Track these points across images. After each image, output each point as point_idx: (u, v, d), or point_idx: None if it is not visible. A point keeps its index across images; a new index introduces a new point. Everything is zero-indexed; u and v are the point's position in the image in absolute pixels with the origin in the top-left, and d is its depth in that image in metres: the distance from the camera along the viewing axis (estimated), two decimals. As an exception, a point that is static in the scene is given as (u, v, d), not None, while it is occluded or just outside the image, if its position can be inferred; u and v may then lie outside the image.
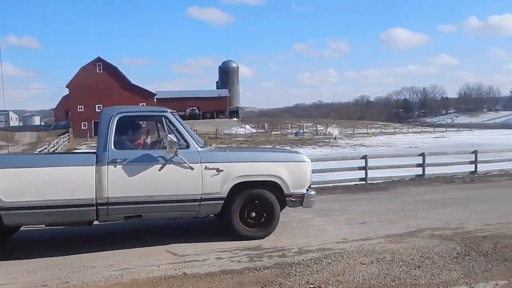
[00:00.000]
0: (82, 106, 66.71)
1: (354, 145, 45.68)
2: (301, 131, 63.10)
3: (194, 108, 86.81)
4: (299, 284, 4.84)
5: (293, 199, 6.81)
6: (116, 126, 6.35)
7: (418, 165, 15.49)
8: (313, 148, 43.38)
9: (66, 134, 54.24)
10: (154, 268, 5.61)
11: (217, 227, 7.66)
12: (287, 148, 42.60)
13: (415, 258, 5.55)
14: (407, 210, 8.65)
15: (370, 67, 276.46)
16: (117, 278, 5.30)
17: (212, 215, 7.02)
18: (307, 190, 6.93)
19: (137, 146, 6.78)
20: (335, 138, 51.21)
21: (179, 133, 6.58)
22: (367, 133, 65.03)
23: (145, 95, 70.37)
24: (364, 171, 14.81)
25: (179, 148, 6.33)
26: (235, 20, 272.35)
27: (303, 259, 5.71)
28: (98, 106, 66.33)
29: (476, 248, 5.93)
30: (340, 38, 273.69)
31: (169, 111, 6.76)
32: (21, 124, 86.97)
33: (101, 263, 5.86)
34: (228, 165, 6.54)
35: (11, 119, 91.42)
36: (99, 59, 69.18)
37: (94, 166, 6.13)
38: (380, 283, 4.77)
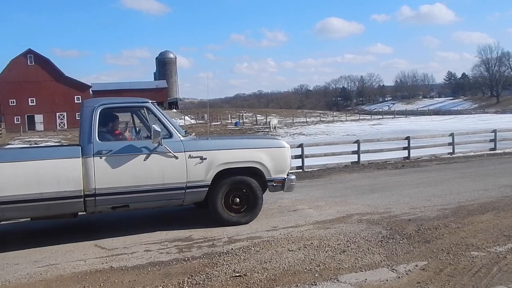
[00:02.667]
0: (14, 100, 63.57)
1: (293, 134, 46.34)
2: (241, 121, 63.26)
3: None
4: (225, 273, 4.79)
5: (274, 184, 6.99)
6: (99, 118, 6.33)
7: (354, 152, 15.88)
8: (253, 138, 43.53)
9: (-5, 128, 51.42)
10: (80, 263, 5.43)
11: (147, 219, 7.55)
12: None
13: (341, 243, 5.65)
14: (338, 197, 8.82)
15: (308, 56, 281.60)
16: (41, 274, 5.11)
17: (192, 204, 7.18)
18: (287, 175, 7.07)
19: (121, 137, 6.72)
20: (275, 127, 51.78)
21: (162, 123, 6.60)
22: (306, 122, 66.14)
23: (80, 87, 67.96)
24: (300, 159, 15.09)
25: (162, 138, 6.31)
26: (171, 10, 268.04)
27: (232, 248, 5.68)
28: (30, 100, 63.71)
29: (401, 231, 6.12)
30: (277, 28, 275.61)
31: (150, 101, 6.76)
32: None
33: (26, 260, 5.64)
34: (211, 153, 6.63)
35: None
36: (30, 51, 65.72)
37: (80, 158, 6.09)
38: (305, 268, 4.81)
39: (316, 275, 4.61)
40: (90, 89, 72.40)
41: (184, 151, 6.54)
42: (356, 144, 16.04)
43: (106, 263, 5.38)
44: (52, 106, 64.38)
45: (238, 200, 6.92)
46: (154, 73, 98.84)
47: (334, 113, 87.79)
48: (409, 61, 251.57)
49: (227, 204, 6.87)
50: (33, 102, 64.46)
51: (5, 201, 5.82)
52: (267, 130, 51.15)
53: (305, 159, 15.22)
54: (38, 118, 65.26)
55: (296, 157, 14.93)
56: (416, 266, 4.75)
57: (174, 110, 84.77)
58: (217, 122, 67.82)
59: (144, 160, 6.37)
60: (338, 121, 66.67)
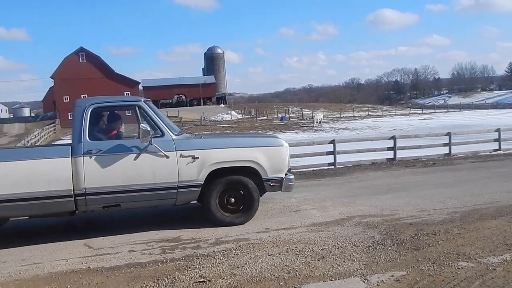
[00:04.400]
0: (68, 97, 65.89)
1: (338, 128, 45.59)
2: (286, 116, 62.90)
3: (181, 95, 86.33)
4: (191, 278, 4.65)
5: (271, 184, 6.77)
6: (90, 117, 6.34)
7: (389, 149, 15.26)
8: (295, 133, 43.25)
9: (52, 125, 53.66)
10: (62, 262, 5.44)
11: (142, 218, 7.52)
12: (269, 132, 42.48)
13: (325, 248, 5.37)
14: (348, 197, 8.47)
15: (359, 49, 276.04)
16: (20, 273, 5.14)
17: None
18: (286, 175, 6.87)
19: (112, 136, 6.65)
20: (320, 122, 51.09)
21: (153, 121, 6.53)
22: (354, 116, 64.89)
23: (130, 84, 69.73)
24: (332, 156, 14.65)
25: (154, 137, 6.29)
26: (220, 6, 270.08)
27: (213, 251, 5.53)
28: (83, 96, 65.77)
29: (396, 236, 5.75)
30: (327, 21, 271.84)
31: (142, 100, 6.72)
32: (11, 116, 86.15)
33: (14, 258, 5.72)
34: (204, 152, 6.49)
35: (1, 111, 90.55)
36: (81, 49, 68.20)
37: (70, 157, 6.12)
38: (274, 275, 4.58)
39: (281, 283, 4.37)
40: (140, 85, 74.15)
41: (176, 150, 6.43)
42: (392, 140, 15.41)
43: (86, 263, 5.36)
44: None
45: (233, 200, 6.76)
46: (203, 68, 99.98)
47: (385, 107, 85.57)
48: (467, 52, 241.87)
49: (222, 204, 6.72)
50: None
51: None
52: (312, 124, 50.52)
53: (338, 156, 14.72)
54: (90, 113, 67.46)
55: (328, 153, 14.54)
56: (392, 276, 4.41)
57: (222, 105, 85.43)
58: (263, 117, 67.75)
59: (134, 159, 6.31)
60: (387, 116, 64.98)
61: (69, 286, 4.67)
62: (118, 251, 5.80)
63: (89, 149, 6.20)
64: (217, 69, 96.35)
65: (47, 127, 48.35)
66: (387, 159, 14.93)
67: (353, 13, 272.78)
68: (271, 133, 42.70)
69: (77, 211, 6.39)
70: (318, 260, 4.98)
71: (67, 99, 65.99)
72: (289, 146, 17.16)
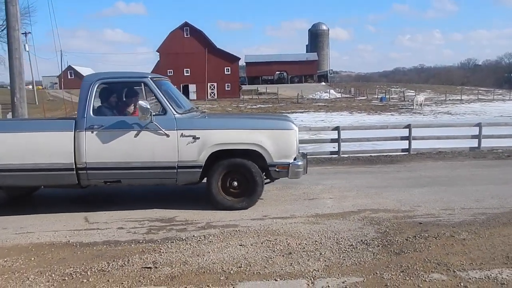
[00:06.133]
0: (171, 70, 68.98)
1: (439, 112, 42.93)
2: (387, 96, 60.32)
3: (282, 72, 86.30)
4: (143, 262, 4.54)
5: (277, 169, 6.45)
6: (95, 92, 6.44)
7: (474, 137, 13.91)
8: (391, 115, 41.46)
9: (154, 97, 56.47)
10: (50, 234, 5.63)
11: (155, 195, 7.58)
12: (362, 113, 41.07)
13: (303, 243, 4.97)
14: (379, 187, 7.82)
15: (480, 27, 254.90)
16: (6, 241, 5.37)
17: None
18: (294, 159, 6.52)
19: (120, 112, 6.75)
20: (420, 104, 48.38)
21: (157, 99, 6.50)
22: (461, 100, 60.46)
23: (230, 59, 71.08)
24: (407, 141, 13.69)
25: (156, 115, 6.29)
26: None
27: (193, 235, 5.38)
28: (185, 70, 68.59)
29: (391, 236, 5.17)
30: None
31: (149, 76, 6.65)
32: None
33: (15, 225, 6.03)
34: (205, 132, 6.35)
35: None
36: (186, 24, 70.57)
37: (73, 132, 6.29)
38: (223, 268, 4.32)
39: (221, 278, 4.10)
40: (244, 61, 75.23)
41: (176, 129, 6.31)
42: (478, 127, 14.01)
43: (70, 237, 5.50)
44: (204, 77, 68.48)
45: (236, 183, 6.53)
46: (306, 45, 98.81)
47: (500, 91, 78.59)
48: None
49: (225, 187, 6.53)
50: (188, 73, 69.43)
51: (3, 169, 6.26)
52: (412, 107, 48.00)
53: (414, 141, 13.71)
54: (192, 87, 70.19)
55: (403, 138, 13.62)
56: (343, 282, 3.94)
57: (323, 83, 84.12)
58: (363, 97, 65.66)
59: (135, 136, 6.30)
60: (499, 100, 59.67)
61: (33, 259, 4.78)
62: (108, 227, 5.88)
63: (92, 124, 6.29)
64: (321, 46, 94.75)
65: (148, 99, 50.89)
66: (469, 148, 13.63)
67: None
68: (344, 114, 41.37)
69: (79, 185, 6.54)
70: (283, 256, 4.61)
71: (171, 73, 69.05)
72: (361, 129, 16.65)
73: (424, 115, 40.42)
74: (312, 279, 4.01)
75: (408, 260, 4.40)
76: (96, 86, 6.45)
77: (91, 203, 7.13)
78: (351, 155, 12.57)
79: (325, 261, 4.44)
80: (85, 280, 4.16)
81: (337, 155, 12.76)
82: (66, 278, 4.22)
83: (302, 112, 43.03)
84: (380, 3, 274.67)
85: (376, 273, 4.11)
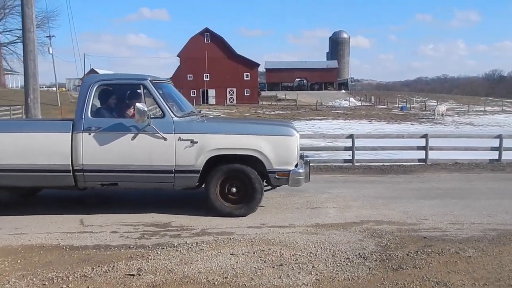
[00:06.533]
0: (191, 75, 69.27)
1: (461, 123, 42.04)
2: (407, 106, 59.51)
3: (302, 79, 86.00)
4: (128, 269, 4.37)
5: (277, 176, 6.24)
6: (94, 94, 6.32)
7: (494, 149, 13.46)
8: (411, 124, 40.78)
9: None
10: (42, 236, 5.52)
11: (154, 198, 7.44)
12: (381, 122, 40.55)
13: (297, 255, 4.74)
14: (387, 198, 7.53)
15: (506, 38, 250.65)
16: (-4, 243, 5.27)
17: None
18: (295, 167, 6.31)
19: (118, 114, 6.60)
20: (442, 114, 47.52)
21: (156, 101, 6.35)
22: (484, 111, 59.24)
23: (249, 65, 71.00)
24: (424, 151, 13.31)
25: (154, 118, 6.16)
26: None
27: (185, 242, 5.20)
28: (205, 75, 68.75)
29: (392, 250, 4.91)
30: (469, 7, 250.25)
31: (148, 79, 6.48)
32: (145, 91, 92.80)
33: (11, 226, 5.94)
34: (203, 136, 6.18)
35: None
36: (206, 30, 70.74)
37: (70, 133, 6.18)
38: (208, 278, 4.12)
39: (204, 289, 3.90)
40: (264, 67, 75.16)
41: (174, 133, 6.15)
42: (498, 139, 13.55)
43: (61, 239, 5.37)
44: (224, 82, 68.67)
45: (234, 190, 6.33)
46: (327, 53, 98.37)
47: (525, 103, 76.82)
48: None
49: (223, 193, 6.34)
50: (207, 78, 69.53)
51: (2, 169, 6.17)
52: (432, 117, 47.18)
53: (431, 152, 13.31)
54: (211, 92, 70.37)
55: (419, 148, 13.27)
56: (332, 299, 3.70)
57: (343, 91, 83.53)
58: (383, 105, 64.93)
59: (132, 139, 6.16)
60: (525, 112, 58.28)
61: (19, 261, 4.66)
62: (102, 230, 5.75)
63: (89, 125, 6.17)
64: (342, 54, 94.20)
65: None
66: (489, 160, 13.19)
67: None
68: (363, 122, 40.81)
69: (77, 187, 6.43)
70: (273, 267, 4.39)
71: (191, 77, 69.40)
72: (376, 138, 16.31)
73: (445, 125, 39.64)
74: (298, 294, 3.79)
75: (405, 277, 4.14)
76: (95, 87, 6.33)
77: (89, 205, 7.00)
78: (363, 163, 12.25)
79: (317, 274, 4.20)
80: (64, 286, 4.01)
81: (350, 163, 12.48)
82: (46, 283, 4.08)
83: (320, 119, 42.66)
84: (403, 13, 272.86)
85: (367, 291, 3.86)
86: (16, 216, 6.35)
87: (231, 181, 6.33)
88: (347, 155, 13.54)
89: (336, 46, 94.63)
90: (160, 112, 6.28)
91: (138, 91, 6.41)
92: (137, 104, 5.97)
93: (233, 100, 69.83)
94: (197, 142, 6.13)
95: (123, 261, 4.60)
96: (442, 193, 8.03)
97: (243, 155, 6.22)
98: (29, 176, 6.22)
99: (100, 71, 74.53)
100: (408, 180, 9.65)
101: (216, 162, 6.26)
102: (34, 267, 4.50)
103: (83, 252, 4.93)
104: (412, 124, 40.24)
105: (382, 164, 12.13)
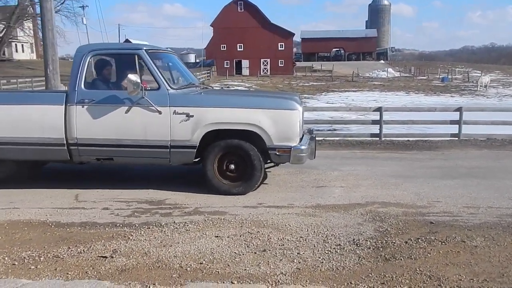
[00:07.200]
0: (225, 45, 68.45)
1: (505, 95, 40.16)
2: (449, 77, 57.27)
3: (339, 48, 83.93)
4: (104, 250, 4.18)
5: (277, 153, 5.90)
6: (88, 64, 6.08)
7: None
8: (451, 96, 39.34)
9: (207, 72, 56.57)
10: (33, 211, 5.43)
11: (157, 174, 7.25)
12: (419, 94, 39.19)
13: (285, 239, 4.42)
14: (401, 177, 7.07)
15: None
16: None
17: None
18: (297, 143, 5.96)
19: (113, 86, 6.37)
20: (485, 86, 45.51)
21: (151, 72, 6.03)
22: (532, 82, 56.44)
23: (284, 34, 69.41)
24: (457, 125, 12.60)
25: (149, 90, 5.88)
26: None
27: (173, 222, 4.97)
28: (239, 45, 67.93)
29: (390, 237, 4.51)
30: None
31: (143, 48, 6.17)
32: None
33: (5, 200, 5.88)
34: (199, 110, 5.88)
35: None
36: (240, -2, 69.31)
37: (63, 105, 5.99)
38: (181, 264, 3.85)
39: (174, 275, 3.64)
40: (300, 37, 73.63)
41: (169, 106, 5.86)
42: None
43: (51, 215, 5.25)
44: (257, 52, 67.48)
45: (233, 167, 6.03)
46: (366, 21, 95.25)
47: None
48: None
49: (221, 170, 6.06)
50: (241, 48, 68.59)
51: None
52: (475, 88, 45.28)
53: (465, 126, 12.58)
54: (245, 63, 69.46)
55: (452, 122, 12.56)
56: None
57: (382, 61, 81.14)
58: (424, 76, 62.76)
59: (126, 112, 5.91)
60: None
61: (2, 237, 4.55)
62: (94, 206, 5.59)
63: (83, 98, 5.95)
64: (381, 22, 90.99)
65: (198, 73, 50.80)
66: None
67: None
68: (400, 94, 39.47)
69: (72, 161, 6.27)
70: (255, 253, 4.09)
71: (224, 48, 68.58)
72: (406, 111, 15.62)
73: (487, 97, 38.00)
74: (274, 285, 3.48)
75: (396, 269, 3.76)
76: (89, 57, 6.06)
77: (89, 180, 6.86)
78: (387, 138, 11.68)
79: (299, 263, 3.88)
80: (32, 267, 3.83)
81: (378, 138, 11.93)
82: (16, 263, 3.92)
83: (355, 91, 41.69)
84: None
85: (350, 283, 3.51)
86: (14, 190, 6.29)
87: (229, 158, 6.04)
88: (376, 129, 12.99)
89: (376, 14, 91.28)
90: (156, 84, 5.98)
91: (133, 61, 6.09)
92: (129, 75, 5.68)
93: (267, 71, 68.85)
94: (192, 116, 5.83)
95: (103, 241, 4.41)
96: (465, 172, 7.48)
97: (241, 130, 5.88)
98: (23, 149, 6.10)
99: (135, 42, 74.90)
100: (431, 157, 9.09)
101: (215, 137, 5.96)
102: (12, 244, 4.37)
103: (67, 229, 4.78)
104: (452, 96, 38.79)
105: (407, 139, 11.52)
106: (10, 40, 56.01)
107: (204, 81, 45.03)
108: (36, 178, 6.86)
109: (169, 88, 5.93)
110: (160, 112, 5.85)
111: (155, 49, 6.36)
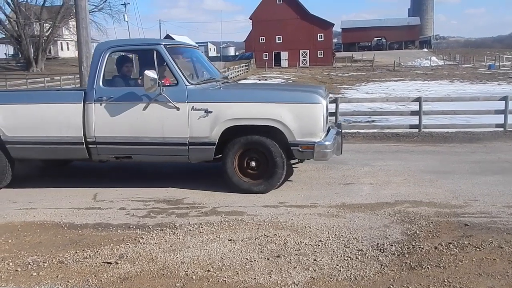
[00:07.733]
0: (264, 38, 68.05)
1: (556, 83, 37.98)
2: (496, 64, 54.84)
3: (381, 38, 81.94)
4: (111, 255, 3.99)
5: (300, 149, 5.60)
6: (106, 61, 5.95)
7: None
8: (498, 84, 37.49)
9: (245, 65, 56.39)
10: (50, 211, 5.35)
11: (180, 172, 7.09)
12: (464, 82, 37.69)
13: (303, 243, 4.11)
14: (436, 173, 6.60)
15: None
16: (4, 218, 5.13)
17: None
18: (323, 139, 5.65)
19: (132, 83, 6.27)
20: (535, 73, 43.23)
21: (169, 68, 5.86)
22: None
23: (323, 25, 68.26)
24: (503, 115, 11.88)
25: (167, 86, 5.75)
26: None
27: (188, 223, 4.76)
28: (278, 37, 67.41)
29: (419, 241, 4.13)
30: None
31: (162, 43, 5.98)
32: (218, 55, 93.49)
33: (25, 200, 5.83)
34: (218, 105, 5.66)
35: (210, 50, 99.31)
36: (278, -10, 68.50)
37: (82, 103, 5.91)
38: (187, 271, 3.61)
39: (177, 285, 3.41)
40: (340, 27, 72.35)
41: (187, 102, 5.64)
42: None
43: (66, 216, 5.14)
44: (296, 44, 66.69)
45: (254, 164, 5.76)
46: (408, 9, 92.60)
47: None
48: None
49: (241, 167, 5.79)
50: (280, 40, 68.02)
51: (19, 141, 6.04)
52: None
53: (511, 116, 11.83)
54: (284, 55, 68.80)
55: (497, 112, 11.86)
56: (320, 307, 3.06)
57: (425, 50, 78.67)
58: (469, 64, 60.41)
59: (144, 109, 5.74)
60: None
61: (10, 241, 4.43)
62: (112, 206, 5.46)
63: (101, 95, 5.81)
64: (425, 9, 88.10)
65: (236, 66, 50.70)
66: None
67: None
68: (443, 83, 37.96)
69: (92, 159, 6.16)
70: (268, 259, 3.81)
71: (263, 40, 68.15)
72: (447, 101, 14.90)
73: (535, 85, 36.05)
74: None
75: (421, 279, 3.38)
76: (107, 54, 5.91)
77: (109, 178, 6.76)
78: (426, 130, 11.09)
79: (315, 271, 3.56)
80: (34, 274, 3.69)
81: (417, 130, 11.36)
82: (19, 269, 3.79)
83: (396, 81, 40.42)
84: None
85: (365, 296, 3.17)
86: (36, 189, 6.26)
87: (250, 155, 5.76)
88: (416, 120, 12.40)
89: (419, 1, 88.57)
90: (174, 80, 5.77)
91: (152, 57, 5.88)
92: (146, 72, 5.48)
93: (306, 62, 67.95)
94: (211, 111, 5.59)
95: (111, 244, 4.23)
96: (508, 167, 6.93)
97: (262, 126, 5.59)
98: (43, 148, 6.04)
99: (176, 37, 75.70)
100: (472, 150, 8.52)
101: (235, 133, 5.70)
102: (20, 248, 4.25)
103: (79, 232, 4.64)
104: (499, 84, 36.96)
105: (447, 131, 10.91)
106: (55, 38, 57.83)
107: (238, 75, 44.78)
108: (53, 177, 6.81)
109: (187, 83, 5.70)
110: (178, 108, 5.64)
111: (175, 44, 6.20)
